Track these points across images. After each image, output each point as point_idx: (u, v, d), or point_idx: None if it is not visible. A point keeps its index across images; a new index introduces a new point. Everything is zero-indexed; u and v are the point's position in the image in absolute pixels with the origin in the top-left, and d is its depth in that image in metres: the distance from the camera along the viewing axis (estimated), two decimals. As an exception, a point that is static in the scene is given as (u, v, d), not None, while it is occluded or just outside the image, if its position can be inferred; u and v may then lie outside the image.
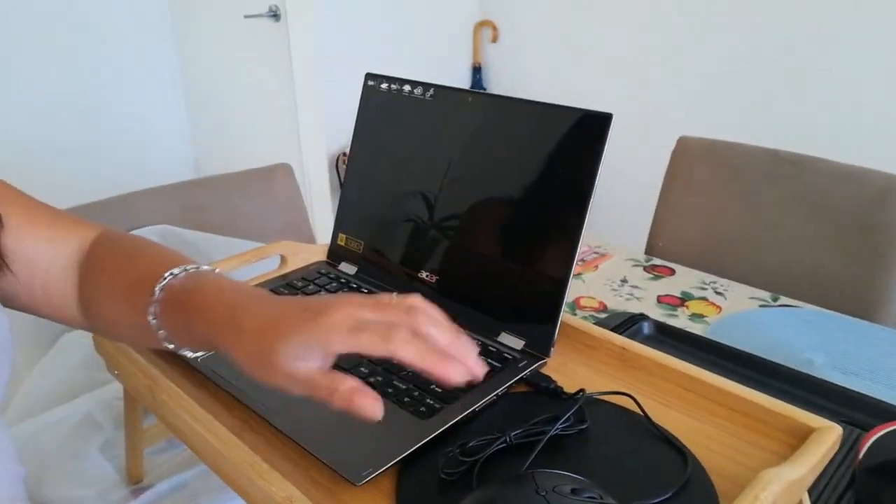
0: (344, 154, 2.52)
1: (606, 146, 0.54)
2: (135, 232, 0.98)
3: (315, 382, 0.39)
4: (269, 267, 0.75)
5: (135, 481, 0.73)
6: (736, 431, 0.51)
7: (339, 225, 0.75)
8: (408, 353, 0.38)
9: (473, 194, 0.64)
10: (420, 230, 0.68)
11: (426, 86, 0.68)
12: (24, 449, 0.75)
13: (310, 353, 0.38)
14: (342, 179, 2.56)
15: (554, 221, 0.59)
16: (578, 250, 0.58)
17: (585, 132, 0.57)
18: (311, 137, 2.31)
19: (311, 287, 0.70)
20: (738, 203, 1.21)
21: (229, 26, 2.31)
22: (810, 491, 0.63)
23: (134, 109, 2.48)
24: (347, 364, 0.57)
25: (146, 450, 0.75)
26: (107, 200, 1.01)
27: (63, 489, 0.71)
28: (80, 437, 0.76)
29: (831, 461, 0.68)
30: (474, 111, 0.65)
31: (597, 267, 1.19)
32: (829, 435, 0.47)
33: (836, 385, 0.78)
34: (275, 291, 0.69)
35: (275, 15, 2.15)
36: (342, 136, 2.50)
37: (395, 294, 0.41)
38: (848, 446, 0.70)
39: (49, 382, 0.83)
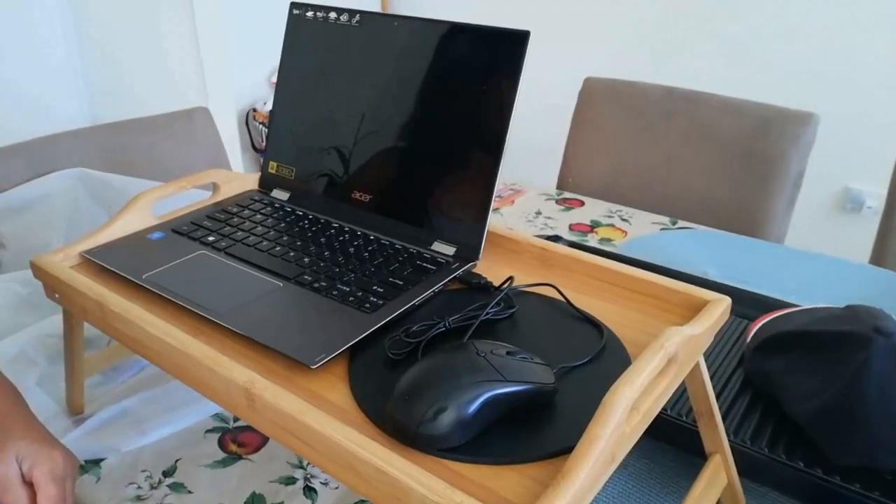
0: (254, 110, 2.48)
1: (525, 60, 0.60)
2: (52, 175, 0.96)
3: None
4: (202, 196, 0.76)
5: (76, 412, 0.74)
6: (643, 309, 0.58)
7: (270, 153, 0.78)
8: None
9: (401, 115, 0.68)
10: (350, 153, 0.72)
11: (352, 12, 0.71)
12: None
13: None
14: (252, 135, 2.52)
15: (479, 135, 0.64)
16: (502, 162, 0.63)
17: (506, 48, 0.62)
18: (217, 95, 2.26)
19: (245, 212, 0.73)
20: (639, 138, 1.30)
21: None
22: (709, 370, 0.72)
23: (20, 66, 2.33)
24: (291, 272, 0.61)
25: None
26: (24, 143, 0.98)
27: (2, 423, 0.71)
28: (14, 373, 0.75)
29: (723, 343, 0.78)
30: (400, 35, 0.68)
31: (513, 202, 1.26)
32: (720, 304, 0.55)
33: (728, 285, 0.88)
34: (210, 217, 0.71)
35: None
36: (249, 92, 2.46)
37: None
38: (737, 334, 0.80)
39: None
